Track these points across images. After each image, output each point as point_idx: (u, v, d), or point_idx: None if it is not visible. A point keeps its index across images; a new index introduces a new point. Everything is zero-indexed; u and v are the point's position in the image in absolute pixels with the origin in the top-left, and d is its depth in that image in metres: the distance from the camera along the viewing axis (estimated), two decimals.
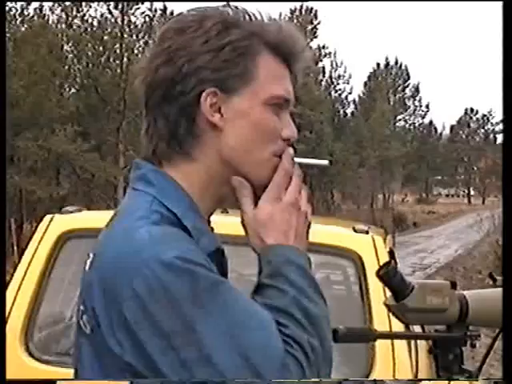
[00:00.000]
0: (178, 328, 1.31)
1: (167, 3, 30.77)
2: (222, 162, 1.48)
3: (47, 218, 3.73)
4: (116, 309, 1.33)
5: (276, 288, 1.41)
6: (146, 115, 1.54)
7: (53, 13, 27.81)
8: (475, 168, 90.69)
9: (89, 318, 1.39)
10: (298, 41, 1.52)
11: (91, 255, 1.45)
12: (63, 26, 28.56)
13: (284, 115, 1.53)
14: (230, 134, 1.47)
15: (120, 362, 1.34)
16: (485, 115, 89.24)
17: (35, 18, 26.67)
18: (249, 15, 1.49)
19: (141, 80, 1.51)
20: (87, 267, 1.44)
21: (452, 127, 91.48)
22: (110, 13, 27.87)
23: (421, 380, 3.39)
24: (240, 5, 1.54)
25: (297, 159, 1.54)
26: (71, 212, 3.78)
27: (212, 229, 1.53)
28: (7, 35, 24.17)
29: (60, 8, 27.56)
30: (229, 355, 1.30)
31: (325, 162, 1.57)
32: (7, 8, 24.80)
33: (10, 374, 3.39)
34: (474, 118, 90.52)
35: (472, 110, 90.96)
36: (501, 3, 2.14)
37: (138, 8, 28.01)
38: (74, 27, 28.40)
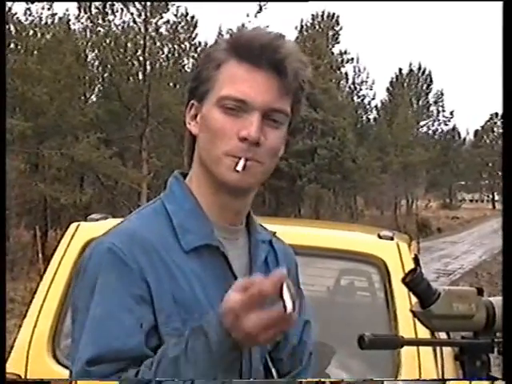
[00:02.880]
0: (79, 303, 1.59)
1: (190, 10, 30.74)
2: (201, 163, 1.66)
3: (73, 225, 3.75)
4: None
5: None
6: None
7: (78, 21, 27.96)
8: (499, 173, 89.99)
9: None
10: (253, 42, 1.58)
11: None
12: (88, 33, 28.69)
13: (246, 116, 1.58)
14: (199, 139, 1.65)
15: None
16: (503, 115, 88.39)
17: (59, 26, 26.78)
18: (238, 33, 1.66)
19: None
20: None
21: (476, 132, 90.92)
22: (134, 21, 27.97)
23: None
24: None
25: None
26: (97, 220, 3.80)
27: (276, 235, 1.85)
28: (31, 44, 24.38)
29: (86, 16, 27.67)
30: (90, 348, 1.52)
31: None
32: (30, 16, 24.99)
33: (38, 381, 3.41)
34: (499, 123, 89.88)
35: (497, 114, 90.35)
36: None
37: (162, 18, 28.09)
38: (98, 35, 28.51)
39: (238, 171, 1.58)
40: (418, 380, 3.20)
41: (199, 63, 1.66)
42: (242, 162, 1.57)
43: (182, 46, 30.31)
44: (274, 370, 1.79)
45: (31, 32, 25.22)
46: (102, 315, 1.54)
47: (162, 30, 29.00)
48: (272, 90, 1.59)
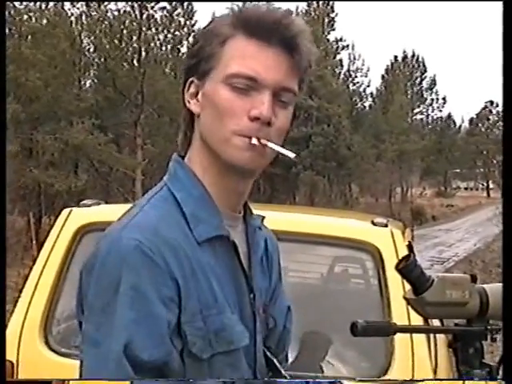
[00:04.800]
0: (95, 303, 1.48)
1: None
2: (203, 144, 1.59)
3: (65, 211, 3.73)
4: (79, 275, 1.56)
5: None
6: None
7: (73, 6, 27.86)
8: (494, 161, 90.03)
9: None
10: (264, 18, 1.52)
11: None
12: (83, 19, 28.61)
13: (256, 95, 1.52)
14: (202, 118, 1.57)
15: None
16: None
17: (54, 11, 26.69)
18: (237, 8, 1.55)
19: None
20: None
21: (471, 120, 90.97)
22: (132, 7, 27.89)
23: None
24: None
25: (270, 144, 1.54)
26: (89, 205, 3.78)
27: (263, 225, 1.74)
28: (25, 28, 24.28)
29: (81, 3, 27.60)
30: (108, 351, 1.44)
31: (292, 155, 1.56)
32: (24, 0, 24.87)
33: (30, 367, 3.41)
34: (494, 111, 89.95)
35: (492, 102, 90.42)
36: None
37: (158, 2, 28.01)
38: (93, 20, 28.43)
39: (253, 146, 1.52)
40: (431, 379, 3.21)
41: (199, 38, 1.57)
42: (255, 141, 1.52)
43: (178, 33, 30.22)
44: (275, 361, 1.76)
45: (25, 17, 25.10)
46: (129, 320, 1.44)
47: (158, 16, 28.95)
48: (282, 68, 1.53)
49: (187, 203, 1.56)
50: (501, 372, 1.74)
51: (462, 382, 1.72)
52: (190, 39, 29.96)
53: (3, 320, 3.19)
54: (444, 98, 73.95)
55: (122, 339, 1.42)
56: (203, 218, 1.56)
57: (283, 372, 1.76)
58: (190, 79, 1.58)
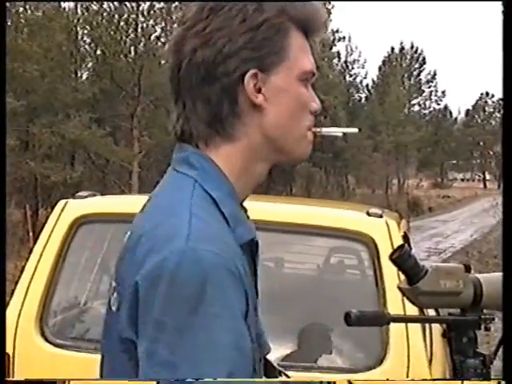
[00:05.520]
0: (168, 321, 1.30)
1: None
2: (265, 140, 1.50)
3: (61, 203, 3.73)
4: (133, 284, 1.34)
5: None
6: (178, 99, 1.52)
7: None
8: (491, 152, 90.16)
9: (117, 295, 1.42)
10: (320, 17, 1.54)
11: (128, 233, 1.48)
12: (79, 11, 28.53)
13: (310, 88, 1.55)
14: (271, 113, 1.48)
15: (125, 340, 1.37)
16: (501, 99, 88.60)
17: (50, 2, 26.60)
18: None
19: (172, 64, 1.50)
20: (124, 245, 1.47)
21: (467, 111, 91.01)
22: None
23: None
24: None
25: (324, 129, 1.59)
26: (85, 197, 3.78)
27: (248, 216, 1.55)
28: (22, 20, 24.22)
29: None
30: (190, 371, 1.29)
31: (355, 130, 1.60)
32: None
33: (26, 359, 3.41)
34: (490, 102, 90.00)
35: (488, 93, 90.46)
36: None
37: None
38: (90, 12, 28.35)
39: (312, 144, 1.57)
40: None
41: (253, 27, 1.45)
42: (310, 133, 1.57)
43: (175, 25, 30.12)
44: (273, 362, 1.73)
45: (21, 9, 25.03)
46: (229, 346, 1.30)
47: (155, 8, 28.86)
48: None
49: (224, 203, 1.45)
50: (495, 362, 1.75)
51: (461, 381, 1.72)
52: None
53: (3, 319, 3.20)
54: (443, 92, 73.84)
55: (224, 370, 1.29)
56: (240, 219, 1.48)
57: (283, 371, 1.72)
58: (253, 71, 1.46)
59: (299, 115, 1.51)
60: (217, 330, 1.29)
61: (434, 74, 71.17)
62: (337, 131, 1.65)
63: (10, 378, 3.27)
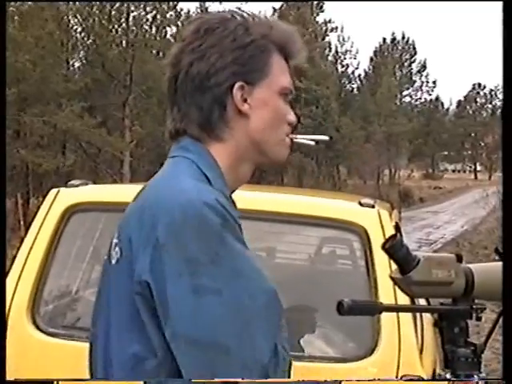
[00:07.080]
0: (201, 257, 1.50)
1: None
2: (249, 142, 1.72)
3: (53, 191, 3.72)
4: (149, 231, 1.53)
5: None
6: (173, 105, 1.73)
7: None
8: (482, 143, 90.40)
9: (118, 249, 1.60)
10: (297, 43, 1.79)
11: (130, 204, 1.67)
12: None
13: (287, 104, 1.78)
14: (255, 120, 1.71)
15: (136, 286, 1.52)
16: (492, 90, 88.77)
17: None
18: (253, 17, 1.74)
19: (170, 75, 1.73)
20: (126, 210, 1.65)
21: (459, 102, 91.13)
22: None
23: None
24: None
25: (299, 136, 1.82)
26: (77, 186, 3.77)
27: (235, 206, 1.72)
28: (13, 9, 24.08)
29: None
30: (234, 296, 1.50)
31: (325, 138, 1.76)
32: None
33: (18, 348, 3.41)
34: (482, 93, 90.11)
35: (479, 85, 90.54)
36: None
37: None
38: (81, 1, 28.24)
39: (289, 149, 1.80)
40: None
41: (241, 46, 1.70)
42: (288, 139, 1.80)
43: (167, 15, 30.01)
44: None
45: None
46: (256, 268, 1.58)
47: None
48: None
49: (217, 184, 1.67)
50: (485, 351, 1.75)
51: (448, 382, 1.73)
52: (179, 22, 29.85)
53: (3, 319, 3.20)
54: (434, 82, 73.91)
55: (262, 298, 1.55)
56: (229, 200, 1.68)
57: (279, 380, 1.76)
58: (239, 83, 1.69)
59: (278, 124, 1.74)
60: (241, 260, 1.55)
61: (425, 65, 71.23)
62: (309, 139, 1.88)
63: (10, 378, 3.26)
